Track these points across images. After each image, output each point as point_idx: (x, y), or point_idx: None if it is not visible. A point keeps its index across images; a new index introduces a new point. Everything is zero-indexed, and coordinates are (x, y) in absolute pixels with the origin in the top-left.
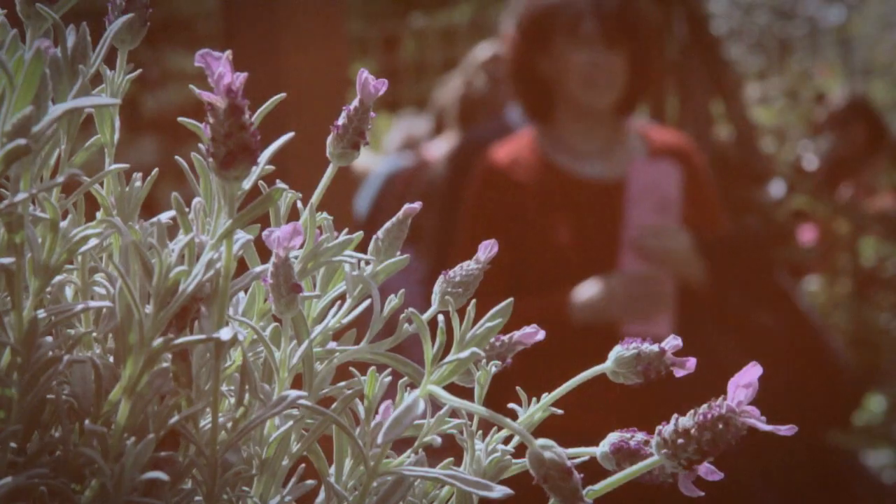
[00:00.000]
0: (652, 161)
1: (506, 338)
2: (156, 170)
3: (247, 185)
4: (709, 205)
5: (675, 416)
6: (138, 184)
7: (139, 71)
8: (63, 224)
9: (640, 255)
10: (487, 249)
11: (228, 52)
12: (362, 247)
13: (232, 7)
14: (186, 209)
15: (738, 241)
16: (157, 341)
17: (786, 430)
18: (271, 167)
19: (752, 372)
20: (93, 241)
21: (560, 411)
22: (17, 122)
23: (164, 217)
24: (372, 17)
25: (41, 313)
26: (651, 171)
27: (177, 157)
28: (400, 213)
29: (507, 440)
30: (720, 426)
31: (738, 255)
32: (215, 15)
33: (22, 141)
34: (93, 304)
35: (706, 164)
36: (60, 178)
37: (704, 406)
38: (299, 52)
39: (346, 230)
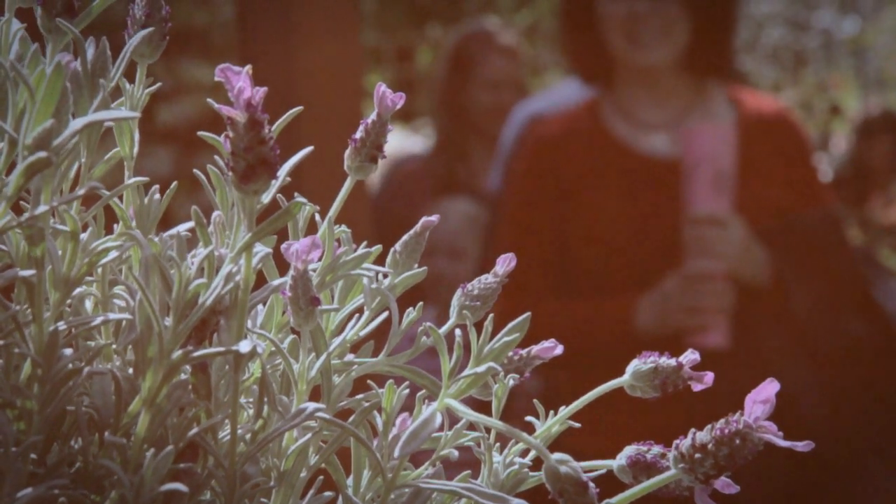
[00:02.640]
0: (707, 126)
1: (524, 352)
2: (174, 183)
3: (266, 198)
4: (811, 183)
5: (693, 430)
6: (157, 196)
7: (158, 84)
8: (83, 236)
9: (693, 249)
10: (506, 263)
11: (248, 67)
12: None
13: (247, 18)
14: (205, 221)
15: (812, 228)
16: (177, 353)
17: (803, 446)
18: (288, 179)
19: (769, 388)
20: (113, 254)
21: (577, 424)
22: (38, 135)
23: (183, 229)
24: (386, 28)
25: (61, 325)
26: (707, 139)
27: (195, 170)
28: (417, 226)
29: (524, 453)
30: (737, 441)
31: (811, 245)
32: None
33: (43, 154)
34: (113, 316)
35: (808, 137)
36: (81, 191)
37: (722, 421)
38: (314, 62)
39: (364, 243)
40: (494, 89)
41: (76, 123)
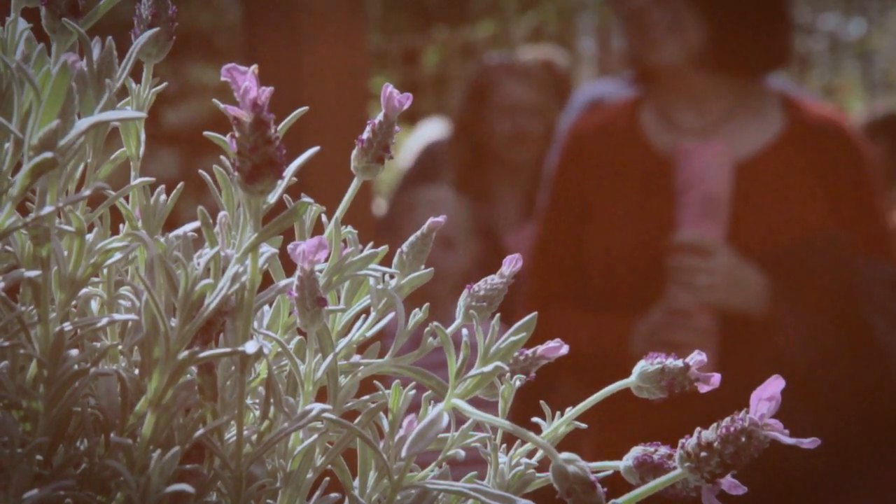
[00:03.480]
0: (700, 146)
1: (530, 352)
2: (181, 184)
3: (272, 198)
4: (864, 204)
5: (698, 429)
6: (163, 197)
7: (164, 84)
8: (89, 237)
9: (674, 278)
10: (512, 264)
11: (254, 67)
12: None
13: (253, 21)
14: (211, 221)
15: (810, 256)
16: (183, 354)
17: (808, 443)
18: (295, 179)
19: (774, 385)
20: (118, 255)
21: (584, 425)
22: (44, 135)
23: (189, 229)
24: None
25: (67, 326)
26: (699, 160)
27: (200, 170)
28: (424, 227)
29: (530, 454)
30: (743, 439)
31: (811, 274)
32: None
33: (49, 154)
34: (118, 317)
35: (867, 149)
36: (87, 192)
37: (727, 419)
38: (320, 65)
39: (370, 243)
40: (511, 115)
41: (82, 124)
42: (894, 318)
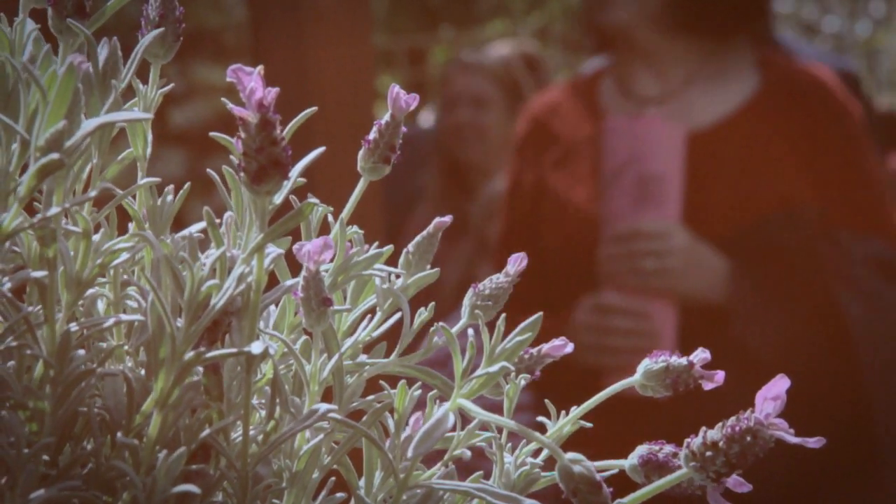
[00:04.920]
0: (633, 116)
1: (534, 350)
2: (188, 184)
3: (278, 199)
4: (851, 172)
5: (704, 428)
6: (170, 197)
7: (171, 85)
8: (95, 237)
9: (608, 275)
10: (517, 263)
11: (260, 67)
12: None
13: (259, 21)
14: (217, 221)
15: (779, 233)
16: (189, 355)
17: (814, 442)
18: (303, 180)
19: (779, 384)
20: (125, 255)
21: (589, 424)
22: (51, 136)
23: (195, 230)
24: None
25: (73, 327)
26: (629, 134)
27: (209, 170)
28: (430, 227)
29: (535, 453)
30: (748, 438)
31: (778, 254)
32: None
33: (55, 155)
34: (125, 317)
35: (854, 109)
36: (93, 193)
37: (733, 418)
38: (326, 65)
39: (375, 243)
40: (453, 108)
41: (88, 125)
42: (877, 302)
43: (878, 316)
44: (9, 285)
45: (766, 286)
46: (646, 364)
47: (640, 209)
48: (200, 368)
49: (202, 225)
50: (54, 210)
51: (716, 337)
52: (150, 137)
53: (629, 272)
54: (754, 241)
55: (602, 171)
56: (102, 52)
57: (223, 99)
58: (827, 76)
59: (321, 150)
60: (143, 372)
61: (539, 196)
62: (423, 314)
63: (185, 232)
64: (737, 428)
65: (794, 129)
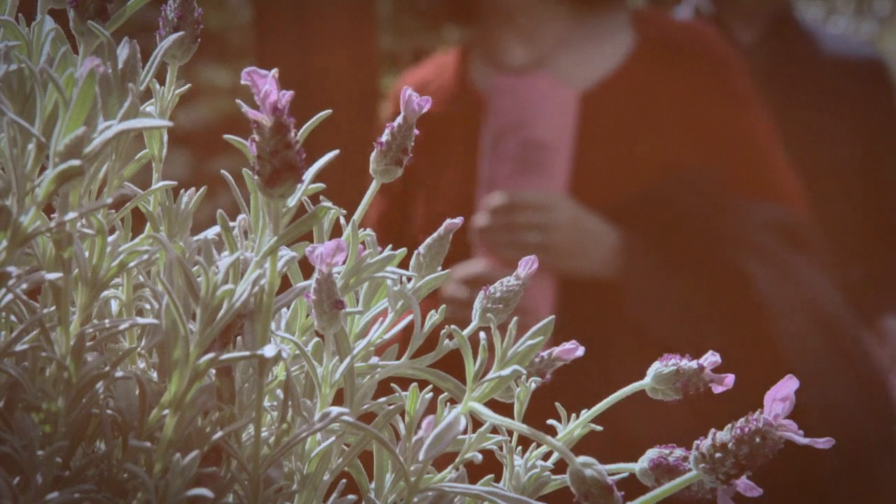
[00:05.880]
0: (521, 76)
1: (545, 353)
2: (204, 187)
3: (292, 202)
4: (737, 130)
5: (713, 430)
6: (185, 200)
7: (188, 86)
8: (110, 239)
9: (484, 247)
10: (528, 265)
11: (275, 71)
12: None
13: (264, 22)
14: (231, 224)
15: (672, 198)
16: (203, 358)
17: (823, 442)
18: (320, 185)
19: (788, 385)
20: (143, 257)
21: (600, 428)
22: (71, 142)
23: (211, 234)
24: (402, 31)
25: (88, 329)
26: (515, 94)
27: (223, 171)
28: (441, 229)
29: (546, 456)
30: (757, 440)
31: (672, 221)
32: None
33: (76, 162)
34: (141, 320)
35: (737, 63)
36: (108, 199)
37: (742, 420)
38: (331, 66)
39: (389, 246)
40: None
41: (108, 133)
42: (785, 269)
43: (788, 284)
44: (24, 287)
45: (662, 259)
46: (656, 367)
47: (523, 177)
48: (213, 371)
49: (217, 229)
50: (72, 214)
51: (602, 312)
52: (165, 139)
53: (508, 245)
54: (646, 210)
55: (484, 133)
56: (121, 54)
57: (238, 101)
58: (705, 30)
59: (335, 153)
60: (154, 374)
61: (409, 177)
62: (435, 317)
63: (201, 236)
64: (746, 429)
65: (674, 86)
